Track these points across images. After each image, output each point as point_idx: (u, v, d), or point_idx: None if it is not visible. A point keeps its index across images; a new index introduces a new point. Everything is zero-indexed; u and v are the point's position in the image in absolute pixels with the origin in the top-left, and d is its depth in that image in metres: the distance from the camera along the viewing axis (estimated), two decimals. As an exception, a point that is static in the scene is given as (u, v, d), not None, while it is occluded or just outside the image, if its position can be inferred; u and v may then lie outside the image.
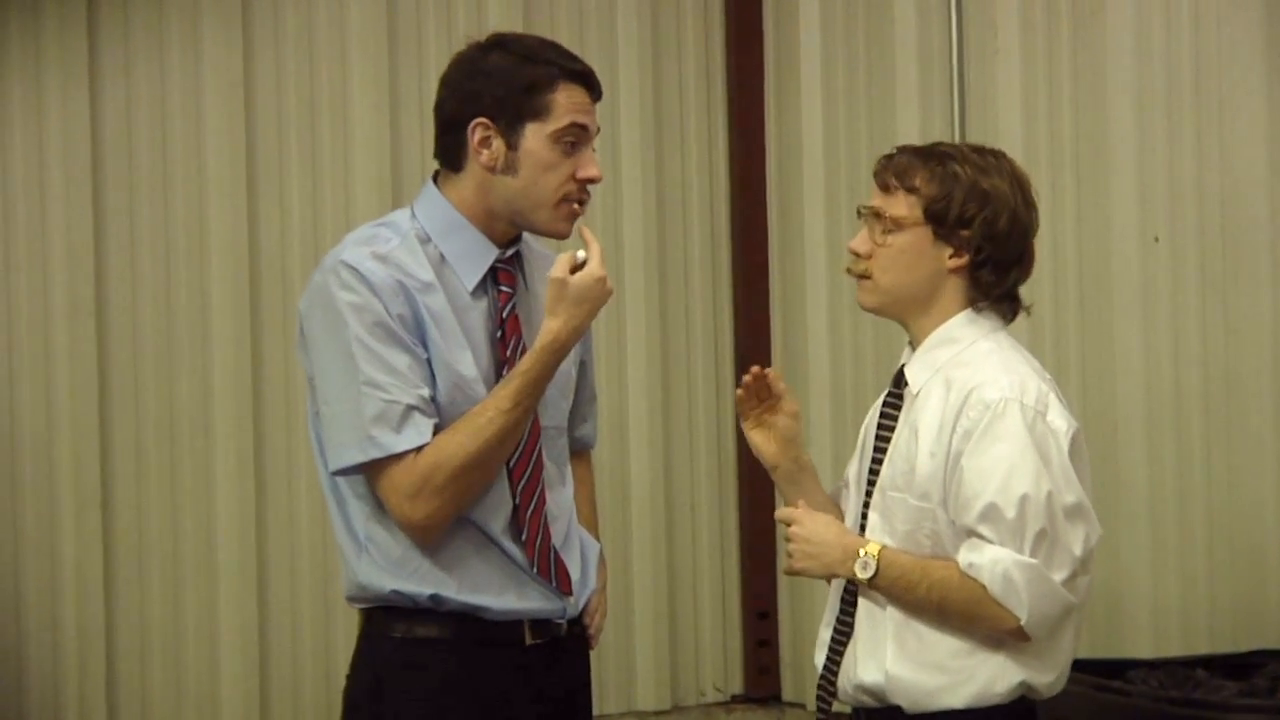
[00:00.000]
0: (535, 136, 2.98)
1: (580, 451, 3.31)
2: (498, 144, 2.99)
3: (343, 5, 5.54)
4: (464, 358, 2.98)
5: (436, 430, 2.93)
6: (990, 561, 2.81)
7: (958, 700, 2.88)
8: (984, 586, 2.81)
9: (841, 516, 3.08)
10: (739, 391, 3.15)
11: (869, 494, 3.00)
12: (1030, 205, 2.99)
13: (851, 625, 2.97)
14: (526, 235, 3.12)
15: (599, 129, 3.06)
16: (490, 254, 3.04)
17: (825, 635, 3.05)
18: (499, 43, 3.04)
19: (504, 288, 3.05)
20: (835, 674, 3.01)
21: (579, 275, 2.94)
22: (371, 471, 2.94)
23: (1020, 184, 2.98)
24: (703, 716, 5.99)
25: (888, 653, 2.92)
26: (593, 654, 3.23)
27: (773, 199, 6.05)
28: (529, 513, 3.02)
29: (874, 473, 3.00)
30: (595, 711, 3.27)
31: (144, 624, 5.30)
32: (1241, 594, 4.99)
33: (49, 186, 5.23)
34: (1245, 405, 5.00)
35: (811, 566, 2.97)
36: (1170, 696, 4.29)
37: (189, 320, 5.34)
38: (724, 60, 6.12)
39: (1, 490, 5.18)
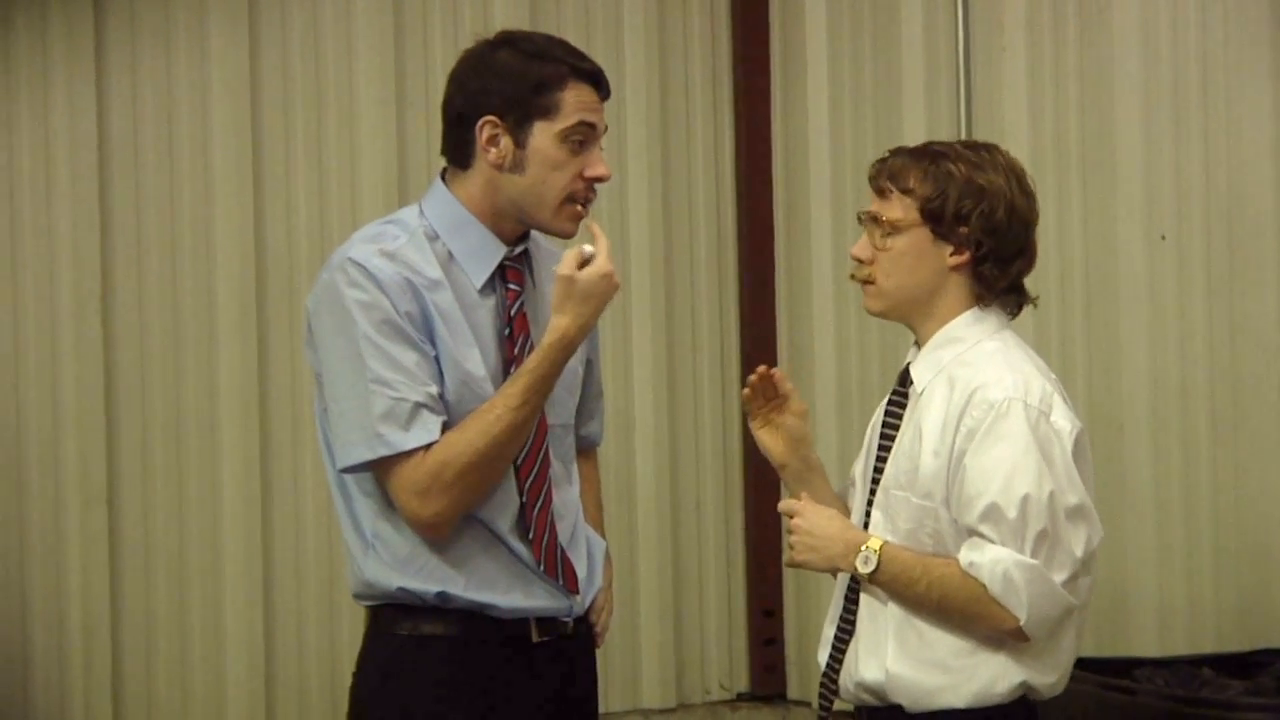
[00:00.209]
0: (543, 135, 2.98)
1: (586, 449, 3.31)
2: (506, 142, 2.99)
3: (349, 2, 5.54)
4: (472, 355, 2.98)
5: (445, 428, 2.93)
6: (991, 561, 2.81)
7: (959, 700, 2.88)
8: (984, 586, 2.82)
9: (849, 515, 3.08)
10: (746, 391, 3.15)
11: (873, 492, 3.00)
12: (1028, 195, 2.99)
13: (854, 623, 2.98)
14: (535, 233, 3.12)
15: (606, 128, 3.05)
16: (499, 252, 3.04)
17: (829, 633, 3.05)
18: (508, 40, 3.04)
19: (512, 285, 3.05)
20: (837, 672, 3.01)
21: (586, 271, 2.93)
22: (380, 469, 2.95)
23: (1016, 175, 2.98)
24: (708, 714, 5.98)
25: (888, 651, 2.92)
26: (598, 652, 3.23)
27: (779, 199, 6.04)
28: (536, 511, 3.02)
29: (878, 471, 3.00)
30: (601, 709, 3.27)
31: (149, 622, 5.29)
32: (1247, 593, 4.99)
33: (55, 184, 5.23)
34: (1251, 404, 5.00)
35: (812, 559, 2.97)
36: (1176, 695, 4.28)
37: (195, 318, 5.34)
38: (730, 60, 6.11)
39: (7, 488, 5.18)
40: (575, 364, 3.12)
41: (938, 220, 2.94)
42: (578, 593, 3.08)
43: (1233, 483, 5.01)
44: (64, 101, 5.23)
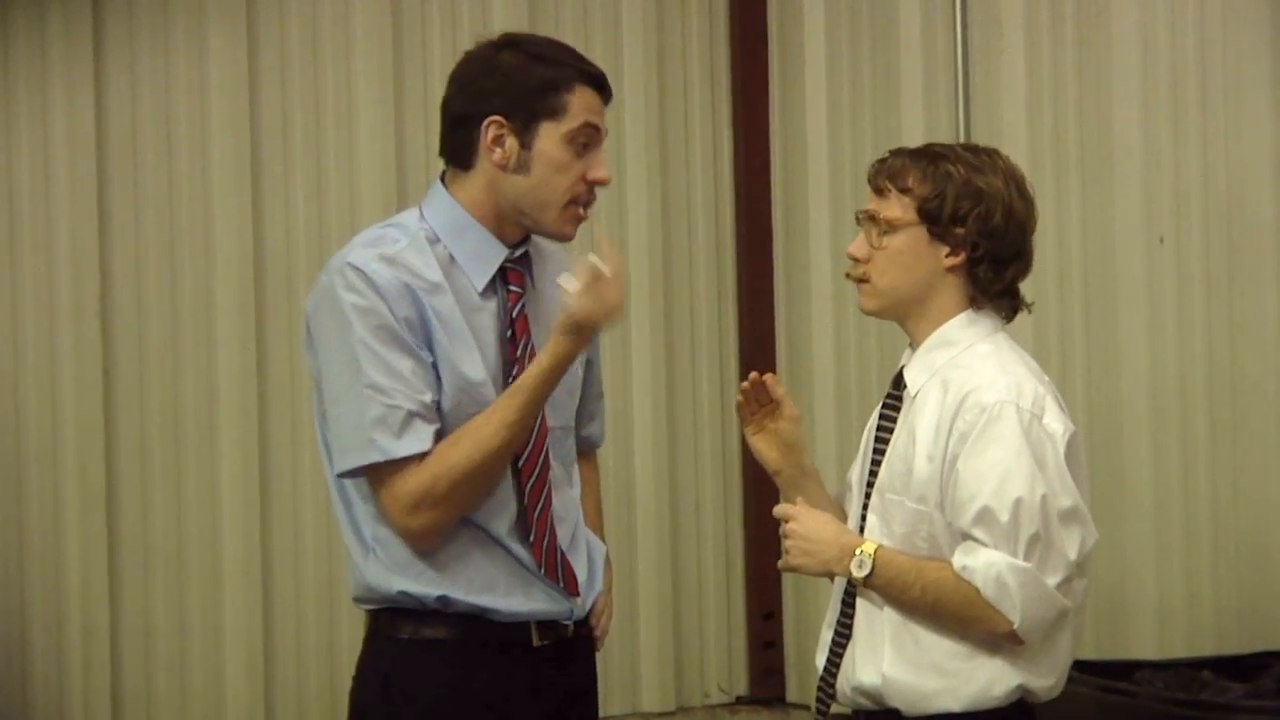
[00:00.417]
0: (549, 136, 2.98)
1: (587, 451, 3.30)
2: (511, 142, 2.98)
3: (347, 4, 5.54)
4: (472, 359, 2.97)
5: (439, 436, 2.92)
6: (984, 565, 2.81)
7: (956, 703, 2.88)
8: (977, 589, 2.81)
9: (845, 519, 3.08)
10: (739, 398, 3.15)
11: (868, 496, 3.00)
12: (1027, 200, 2.99)
13: (851, 627, 2.97)
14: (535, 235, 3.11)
15: (607, 132, 3.06)
16: (499, 254, 3.03)
17: (826, 636, 3.05)
18: (512, 42, 3.03)
19: (513, 288, 3.04)
20: (835, 675, 3.01)
21: (593, 303, 2.91)
22: (372, 476, 2.94)
23: (1015, 180, 2.98)
24: (707, 717, 5.99)
25: (885, 655, 2.91)
26: (598, 655, 3.22)
27: (777, 200, 6.04)
28: (536, 514, 3.01)
29: (873, 474, 3.00)
30: (600, 712, 3.26)
31: (148, 625, 5.30)
32: (1247, 595, 4.99)
33: (54, 186, 5.24)
34: (1250, 406, 5.00)
35: (807, 564, 2.97)
36: (1176, 698, 4.29)
37: (194, 321, 5.34)
38: (729, 61, 6.12)
39: (7, 489, 5.18)
40: (575, 365, 3.11)
41: (934, 220, 2.93)
42: (578, 596, 3.07)
43: (1232, 484, 5.01)
44: (62, 103, 5.24)
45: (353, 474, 2.96)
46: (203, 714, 5.34)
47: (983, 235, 2.93)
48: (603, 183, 3.03)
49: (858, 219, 3.04)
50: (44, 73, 5.23)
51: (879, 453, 3.00)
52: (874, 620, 2.93)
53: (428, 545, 2.95)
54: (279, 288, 5.43)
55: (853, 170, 5.77)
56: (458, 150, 3.04)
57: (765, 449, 3.15)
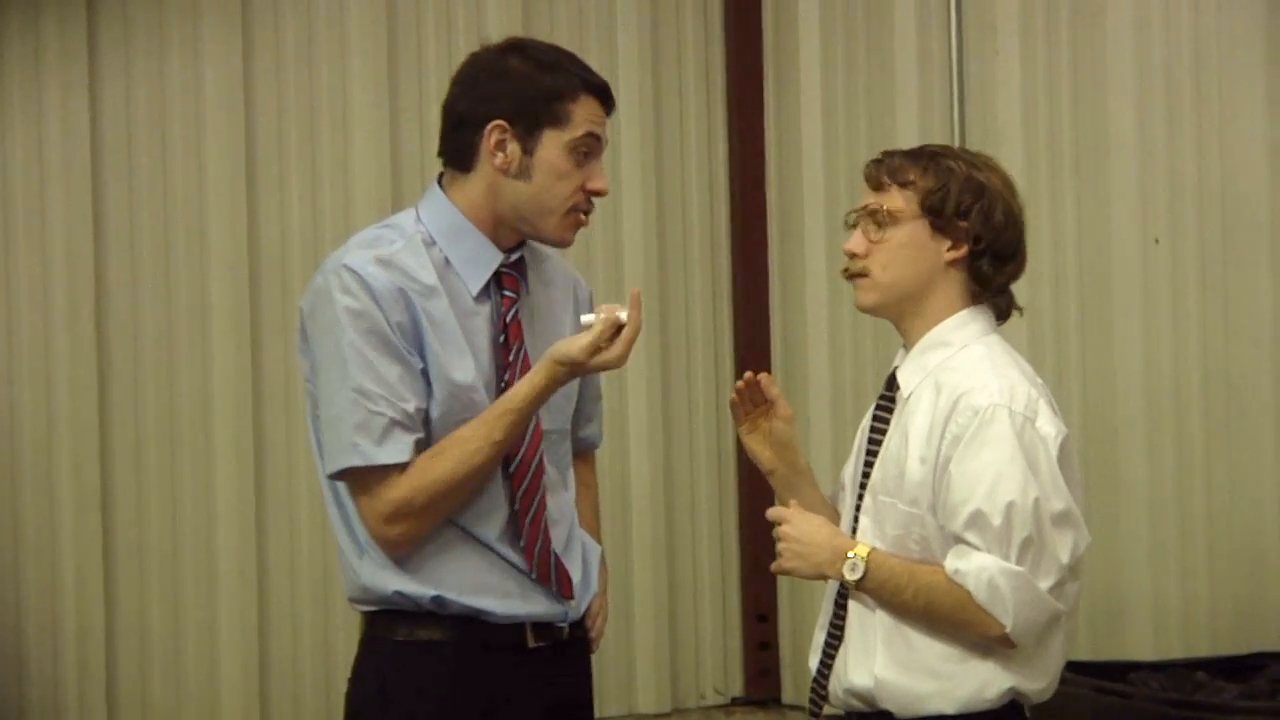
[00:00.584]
0: (552, 144, 2.98)
1: (584, 452, 3.30)
2: (513, 148, 2.98)
3: (342, 7, 5.54)
4: (464, 364, 2.97)
5: (423, 444, 2.93)
6: (976, 568, 2.80)
7: (948, 706, 2.87)
8: (969, 593, 2.81)
9: (838, 520, 3.07)
10: (733, 397, 3.15)
11: (861, 498, 3.00)
12: (1020, 205, 2.99)
13: (843, 629, 2.97)
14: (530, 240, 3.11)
15: (607, 142, 3.06)
16: (495, 259, 3.03)
17: (819, 638, 3.05)
18: (518, 47, 3.03)
19: (508, 292, 3.04)
20: (827, 678, 3.00)
21: (598, 359, 2.90)
22: (351, 480, 2.95)
23: (1010, 184, 2.99)
24: (703, 719, 5.99)
25: (877, 657, 2.91)
26: (593, 656, 3.22)
27: (772, 201, 6.04)
28: (529, 518, 3.01)
29: (866, 476, 3.00)
30: (596, 714, 3.26)
31: (144, 626, 5.29)
32: (1242, 595, 5.00)
33: (49, 188, 5.23)
34: (1245, 407, 5.01)
35: (800, 566, 2.97)
36: (1171, 699, 4.29)
37: (189, 322, 5.34)
38: (723, 63, 6.12)
39: (1, 492, 5.18)
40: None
41: (938, 214, 2.93)
42: (573, 598, 3.07)
43: (1227, 485, 5.02)
44: (57, 105, 5.24)
45: (340, 476, 2.96)
46: (197, 714, 5.34)
47: (985, 228, 2.93)
48: (600, 193, 3.03)
49: (847, 221, 3.03)
50: (39, 74, 5.23)
51: (872, 454, 3.00)
52: (866, 623, 2.93)
53: (403, 554, 2.96)
54: (273, 289, 5.42)
55: (848, 171, 5.77)
56: (458, 152, 3.03)
57: (759, 449, 3.15)
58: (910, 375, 2.97)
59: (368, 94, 5.54)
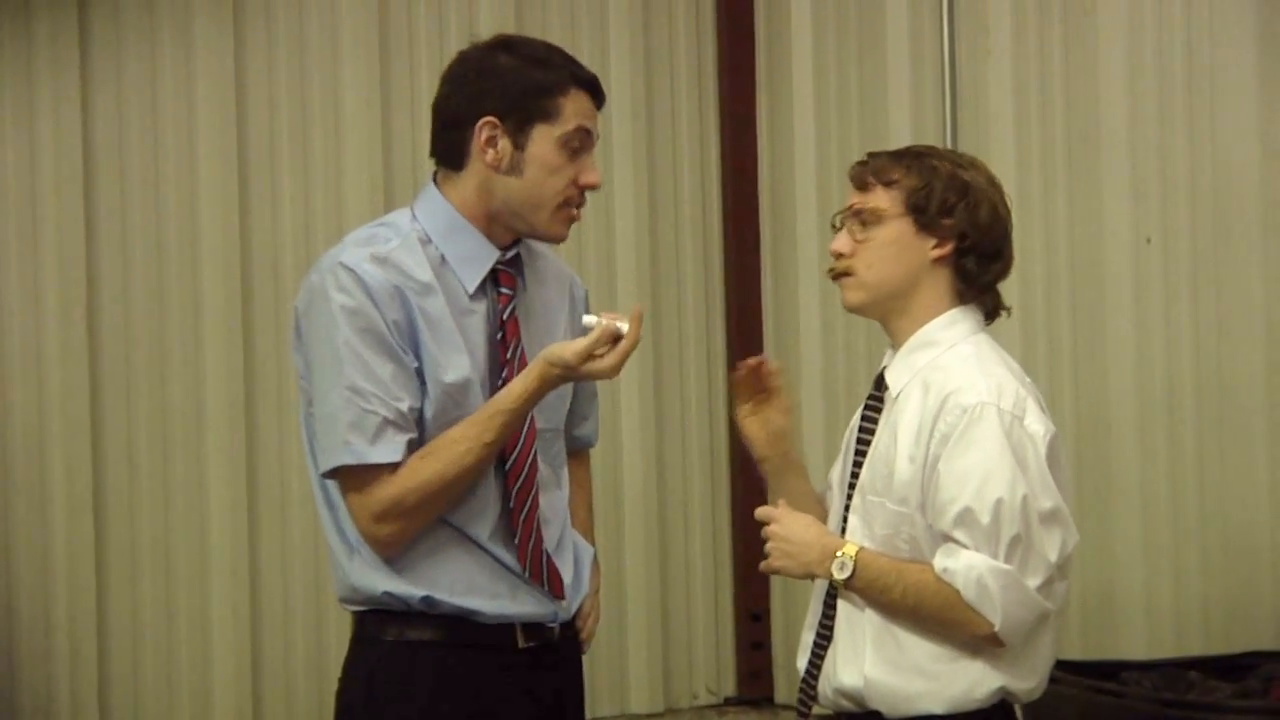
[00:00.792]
0: (543, 139, 2.98)
1: (579, 451, 3.30)
2: (504, 144, 2.98)
3: (334, 8, 5.53)
4: (460, 362, 2.97)
5: (416, 444, 2.92)
6: (964, 567, 2.80)
7: (937, 705, 2.88)
8: (958, 592, 2.81)
9: (827, 518, 3.07)
10: (738, 374, 3.14)
11: (850, 497, 3.00)
12: (1006, 205, 3.00)
13: (832, 629, 2.97)
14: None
15: (599, 136, 3.06)
16: (491, 256, 3.03)
17: (807, 639, 3.05)
18: (507, 44, 3.03)
19: (504, 290, 3.04)
20: (816, 678, 3.00)
21: (591, 365, 2.90)
22: (343, 479, 2.94)
23: (996, 184, 3.00)
24: (696, 719, 5.98)
25: (866, 657, 2.91)
26: (585, 656, 3.22)
27: (765, 199, 6.04)
28: (521, 517, 3.01)
29: (855, 476, 3.00)
30: (588, 714, 3.26)
31: (136, 627, 5.29)
32: (1235, 595, 5.00)
33: (40, 189, 5.23)
34: (1237, 407, 5.01)
35: (789, 566, 2.97)
36: (1164, 698, 4.29)
37: (181, 323, 5.34)
38: (716, 59, 6.11)
39: (-7, 493, 5.18)
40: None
41: (922, 212, 2.94)
42: (564, 599, 3.07)
43: (1219, 484, 5.02)
44: (49, 108, 5.23)
45: (332, 475, 2.96)
46: (190, 715, 5.33)
47: (971, 226, 2.93)
48: (593, 187, 3.03)
49: (834, 223, 3.04)
50: (30, 78, 5.22)
51: (860, 454, 3.00)
52: (855, 622, 2.93)
53: (393, 553, 2.96)
54: (266, 290, 5.42)
55: (840, 170, 5.71)
56: (450, 150, 3.03)
57: (755, 434, 3.15)
58: (898, 375, 2.97)
59: (360, 94, 5.53)
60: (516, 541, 3.01)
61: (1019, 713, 2.98)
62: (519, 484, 3.01)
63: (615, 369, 2.92)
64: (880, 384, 3.02)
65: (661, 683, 5.94)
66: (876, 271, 2.97)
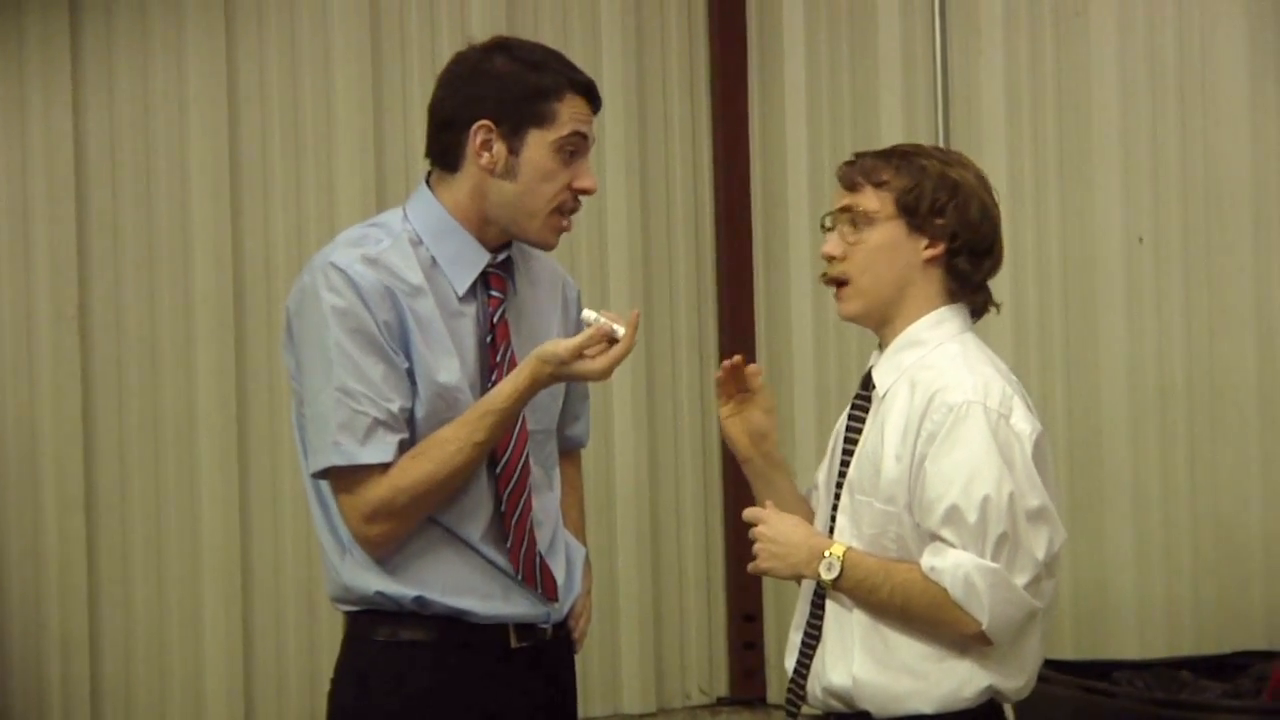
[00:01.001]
0: (538, 143, 2.97)
1: (571, 451, 3.30)
2: (499, 147, 2.97)
3: (326, 10, 5.53)
4: (449, 364, 2.97)
5: (407, 445, 2.92)
6: (952, 565, 2.80)
7: (926, 705, 2.87)
8: (945, 590, 2.81)
9: (813, 518, 3.07)
10: (719, 374, 3.14)
11: (838, 497, 2.99)
12: (994, 200, 2.99)
13: (820, 629, 2.97)
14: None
15: (594, 140, 3.05)
16: (482, 259, 3.03)
17: (795, 639, 3.05)
18: (503, 47, 3.03)
19: (494, 293, 3.04)
20: (804, 678, 3.00)
21: (582, 364, 2.90)
22: (334, 479, 2.94)
23: (983, 179, 3.00)
24: (688, 719, 5.98)
25: (855, 657, 2.91)
26: (578, 656, 3.22)
27: (757, 201, 6.04)
28: (514, 519, 3.01)
29: (842, 475, 3.00)
30: (581, 714, 3.26)
31: (128, 628, 5.28)
32: (1226, 595, 5.00)
33: (32, 191, 5.22)
34: (1229, 406, 5.01)
35: (777, 566, 2.97)
36: (1156, 698, 4.29)
37: (173, 325, 5.33)
38: (708, 62, 6.11)
39: (-15, 494, 5.18)
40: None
41: (912, 212, 2.93)
42: (556, 600, 3.07)
43: (1211, 483, 5.02)
44: (40, 108, 5.22)
45: (323, 475, 2.95)
46: (182, 715, 5.32)
47: (961, 225, 2.93)
48: (588, 192, 3.03)
49: (823, 224, 3.03)
50: (21, 83, 5.21)
51: (848, 453, 3.00)
52: (843, 622, 2.93)
53: (384, 553, 2.96)
54: (258, 292, 5.41)
55: (832, 170, 5.69)
56: (444, 153, 3.03)
57: (737, 435, 3.15)
58: (885, 374, 2.97)
59: (352, 96, 5.53)
60: (509, 545, 3.01)
61: (1008, 712, 2.98)
62: (511, 487, 3.01)
63: (606, 372, 2.92)
64: (867, 383, 3.02)
65: (654, 683, 5.94)
66: (870, 276, 2.96)
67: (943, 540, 2.82)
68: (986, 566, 2.79)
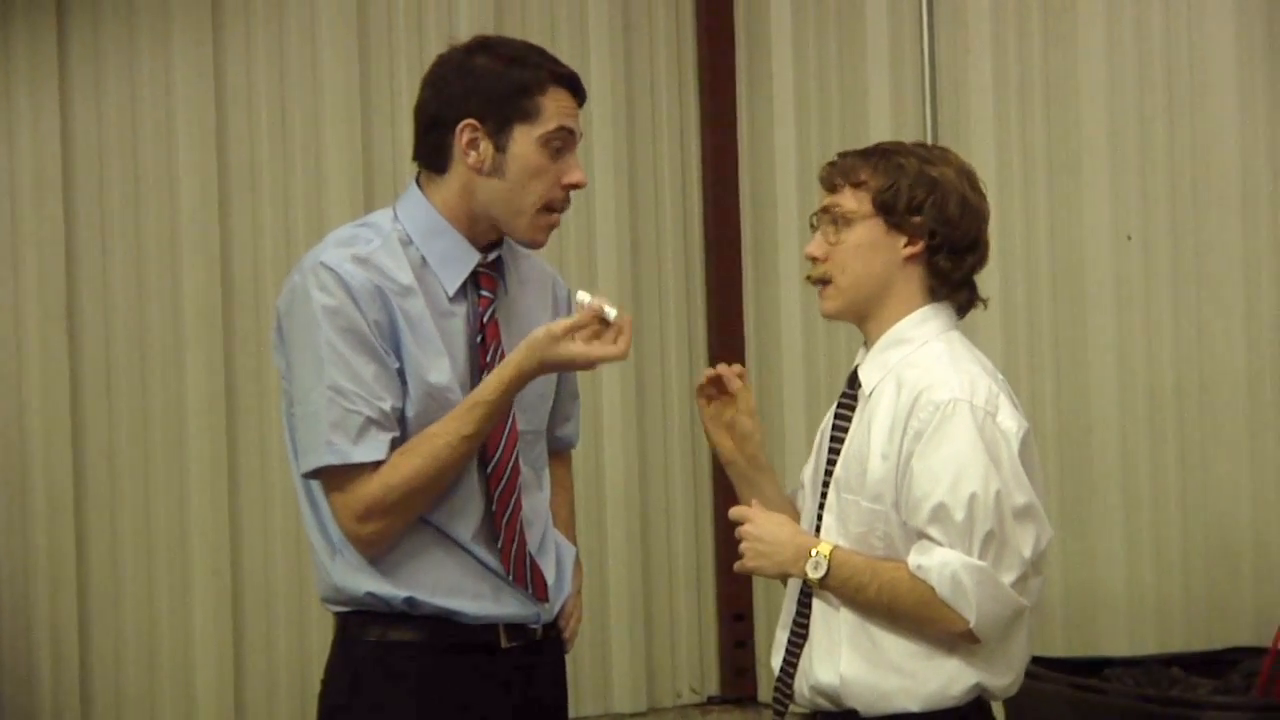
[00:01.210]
0: (524, 139, 2.97)
1: (561, 451, 3.30)
2: (485, 146, 2.97)
3: (313, 12, 5.53)
4: (440, 364, 2.96)
5: (397, 443, 2.92)
6: (939, 564, 2.80)
7: (913, 703, 2.87)
8: (932, 588, 2.81)
9: (798, 518, 3.07)
10: (700, 382, 3.14)
11: (824, 495, 2.99)
12: (979, 193, 3.00)
13: (807, 627, 2.97)
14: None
15: (581, 134, 3.05)
16: (472, 258, 3.03)
17: (782, 637, 3.05)
18: (485, 45, 3.03)
19: (484, 292, 3.04)
20: (792, 676, 3.00)
21: (571, 346, 2.89)
22: (325, 478, 2.94)
23: (966, 173, 2.99)
24: (679, 718, 5.98)
25: (842, 655, 2.91)
26: (569, 656, 3.22)
27: (745, 201, 6.05)
28: (505, 519, 3.01)
29: (829, 474, 3.00)
30: (572, 714, 3.27)
31: (118, 628, 5.28)
32: (1216, 591, 5.01)
33: (20, 193, 5.22)
34: (1218, 403, 5.02)
35: (763, 565, 2.97)
36: (1146, 694, 4.30)
37: (161, 326, 5.33)
38: (696, 61, 6.12)
39: (-25, 496, 5.17)
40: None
41: (890, 211, 2.94)
42: (547, 600, 3.07)
43: (1200, 481, 5.03)
44: (28, 116, 5.23)
45: (315, 475, 2.95)
46: (173, 716, 5.32)
47: (940, 223, 2.93)
48: (578, 186, 3.03)
49: (812, 223, 3.04)
50: (8, 88, 5.21)
51: (834, 452, 3.00)
52: (831, 620, 2.93)
53: (376, 552, 2.95)
54: (246, 293, 5.41)
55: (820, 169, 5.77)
56: (432, 154, 3.03)
57: (720, 438, 3.15)
58: (871, 373, 2.98)
59: (339, 97, 5.53)
60: (499, 545, 3.00)
61: (997, 709, 2.98)
62: (501, 487, 3.01)
63: (591, 361, 2.90)
64: (853, 382, 3.02)
65: (645, 682, 5.94)
66: (850, 274, 2.97)
67: (929, 538, 2.82)
68: (973, 564, 2.79)
